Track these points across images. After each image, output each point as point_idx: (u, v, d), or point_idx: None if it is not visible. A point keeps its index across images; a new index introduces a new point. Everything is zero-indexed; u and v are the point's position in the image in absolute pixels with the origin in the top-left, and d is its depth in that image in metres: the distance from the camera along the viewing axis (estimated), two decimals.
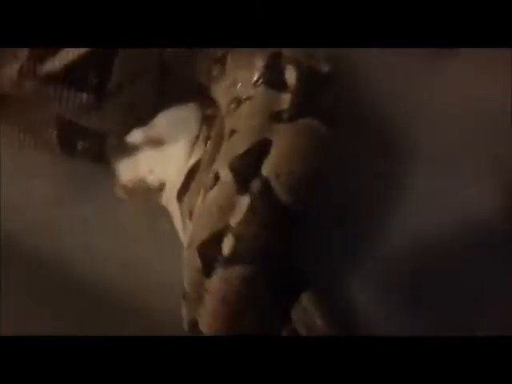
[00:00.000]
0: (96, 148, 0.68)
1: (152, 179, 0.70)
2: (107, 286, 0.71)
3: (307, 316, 0.65)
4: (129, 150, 0.70)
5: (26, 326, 0.66)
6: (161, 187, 0.71)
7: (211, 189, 0.61)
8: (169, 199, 0.70)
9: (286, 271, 0.64)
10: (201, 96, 0.71)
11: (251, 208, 0.58)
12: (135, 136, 0.67)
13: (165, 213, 0.73)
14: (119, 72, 0.61)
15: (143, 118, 0.68)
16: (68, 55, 0.59)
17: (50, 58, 0.58)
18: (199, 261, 0.60)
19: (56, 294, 0.70)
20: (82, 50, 0.59)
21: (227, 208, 0.59)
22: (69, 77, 0.59)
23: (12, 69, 0.59)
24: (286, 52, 0.63)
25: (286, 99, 0.62)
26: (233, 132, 0.63)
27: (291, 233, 0.60)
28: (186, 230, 0.67)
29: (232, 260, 0.58)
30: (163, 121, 0.68)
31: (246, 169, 0.59)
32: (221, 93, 0.68)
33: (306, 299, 0.66)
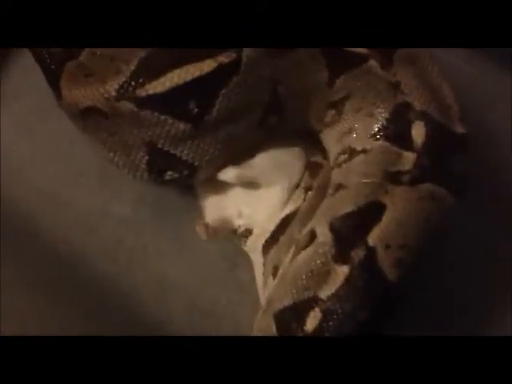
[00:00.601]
0: (185, 180, 0.62)
1: (239, 222, 0.64)
2: (166, 324, 0.65)
3: None
4: (219, 188, 0.64)
5: None
6: (247, 233, 0.63)
7: (304, 248, 0.53)
8: (253, 247, 0.63)
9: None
10: (308, 141, 0.63)
11: (349, 280, 0.49)
12: (229, 174, 0.61)
13: (246, 258, 0.66)
14: (224, 105, 0.55)
15: (241, 156, 0.61)
16: (172, 79, 0.53)
17: (152, 80, 0.54)
18: (275, 331, 0.51)
19: (111, 319, 0.65)
20: (187, 77, 0.53)
21: (319, 275, 0.50)
22: (169, 103, 0.54)
23: (112, 85, 0.54)
24: (416, 104, 0.54)
25: (409, 158, 0.52)
26: (339, 187, 0.55)
27: (390, 314, 0.50)
28: (267, 288, 0.59)
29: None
30: (262, 162, 0.62)
31: (350, 233, 0.51)
32: (332, 140, 0.60)
33: None
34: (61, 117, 0.62)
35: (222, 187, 0.64)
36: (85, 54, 0.58)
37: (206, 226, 0.61)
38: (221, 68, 0.52)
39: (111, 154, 0.61)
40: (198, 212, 0.66)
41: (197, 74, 0.53)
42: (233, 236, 0.65)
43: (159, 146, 0.57)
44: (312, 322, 0.49)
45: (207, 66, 0.52)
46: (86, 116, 0.57)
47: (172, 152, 0.57)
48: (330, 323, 0.48)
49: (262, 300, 0.62)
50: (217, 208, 0.65)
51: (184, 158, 0.58)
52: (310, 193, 0.60)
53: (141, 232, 0.69)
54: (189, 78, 0.53)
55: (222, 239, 0.66)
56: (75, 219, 0.69)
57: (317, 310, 0.49)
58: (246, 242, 0.64)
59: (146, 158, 0.59)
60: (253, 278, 0.65)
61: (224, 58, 0.52)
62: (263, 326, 0.53)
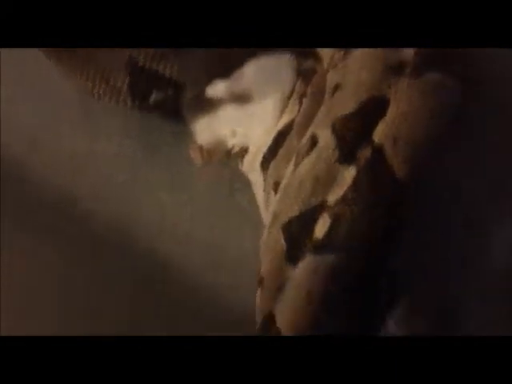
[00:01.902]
0: (171, 101, 0.58)
1: (233, 142, 0.61)
2: (167, 253, 0.63)
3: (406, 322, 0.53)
4: (208, 106, 0.61)
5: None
6: (243, 151, 0.60)
7: (306, 155, 0.50)
8: (251, 166, 0.60)
9: (385, 266, 0.52)
10: None
11: (357, 182, 0.46)
12: (218, 88, 0.57)
13: (245, 182, 0.63)
14: None
15: (228, 69, 0.57)
16: None
17: None
18: (284, 243, 0.49)
19: (117, 261, 0.62)
20: None
21: (325, 180, 0.47)
22: None
23: None
24: None
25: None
26: (337, 87, 0.51)
27: (403, 216, 0.48)
28: (269, 205, 0.57)
29: (325, 246, 0.47)
30: (252, 72, 0.58)
31: (354, 132, 0.47)
32: None
33: (404, 304, 0.53)
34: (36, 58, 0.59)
35: (211, 107, 0.60)
36: None
37: (201, 148, 0.58)
38: None
39: (89, 84, 0.57)
40: (190, 138, 0.63)
41: None
42: (228, 159, 0.62)
43: (140, 64, 0.53)
44: (321, 229, 0.46)
45: None
46: None
47: (155, 69, 0.53)
48: (341, 228, 0.46)
49: (265, 219, 0.59)
50: (209, 130, 0.61)
51: (168, 75, 0.54)
52: (304, 100, 0.57)
53: (131, 167, 0.66)
54: None
55: (217, 163, 0.63)
56: (61, 161, 0.66)
57: (325, 215, 0.46)
58: (242, 161, 0.61)
59: (128, 79, 0.55)
60: (252, 201, 0.63)
61: None
62: (271, 241, 0.51)
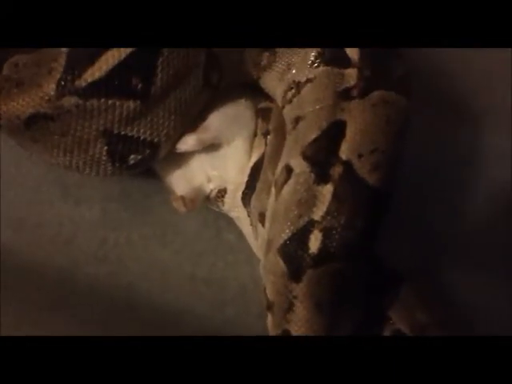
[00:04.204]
0: (148, 161, 0.62)
1: (211, 187, 0.65)
2: (175, 302, 0.66)
3: (407, 311, 0.59)
4: (180, 160, 0.65)
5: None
6: (221, 194, 0.65)
7: (285, 184, 0.55)
8: (232, 204, 0.64)
9: (379, 265, 0.58)
10: (252, 90, 0.65)
11: (335, 196, 0.52)
12: (188, 142, 0.62)
13: (228, 221, 0.68)
14: (164, 73, 0.55)
15: (194, 123, 0.62)
16: (108, 62, 0.53)
17: (88, 68, 0.53)
18: (283, 265, 0.53)
19: (121, 315, 0.65)
20: (121, 55, 0.53)
21: (308, 202, 0.53)
22: (111, 85, 0.54)
23: (49, 85, 0.54)
24: None
25: (351, 74, 0.56)
26: (298, 120, 0.57)
27: (381, 217, 0.54)
28: (258, 235, 0.61)
29: (322, 258, 0.52)
30: (216, 121, 0.63)
31: (322, 155, 0.54)
32: (274, 81, 0.62)
33: (403, 293, 0.59)
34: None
35: (183, 159, 0.64)
36: (7, 67, 0.57)
37: (182, 198, 0.62)
38: None
39: (68, 158, 0.59)
40: (168, 191, 0.66)
41: (129, 50, 0.53)
42: (209, 203, 0.66)
43: (115, 131, 0.57)
44: (315, 243, 0.52)
45: None
46: (32, 125, 0.56)
47: (130, 134, 0.58)
48: (332, 239, 0.51)
49: (256, 250, 0.64)
50: (184, 181, 0.65)
51: (142, 137, 0.58)
52: (269, 137, 0.63)
53: (119, 227, 0.68)
54: (123, 55, 0.53)
55: (200, 208, 0.66)
56: (50, 236, 0.67)
57: (316, 231, 0.52)
58: (223, 202, 0.65)
59: (106, 148, 0.58)
60: (239, 237, 0.67)
61: None
62: (271, 265, 0.55)
